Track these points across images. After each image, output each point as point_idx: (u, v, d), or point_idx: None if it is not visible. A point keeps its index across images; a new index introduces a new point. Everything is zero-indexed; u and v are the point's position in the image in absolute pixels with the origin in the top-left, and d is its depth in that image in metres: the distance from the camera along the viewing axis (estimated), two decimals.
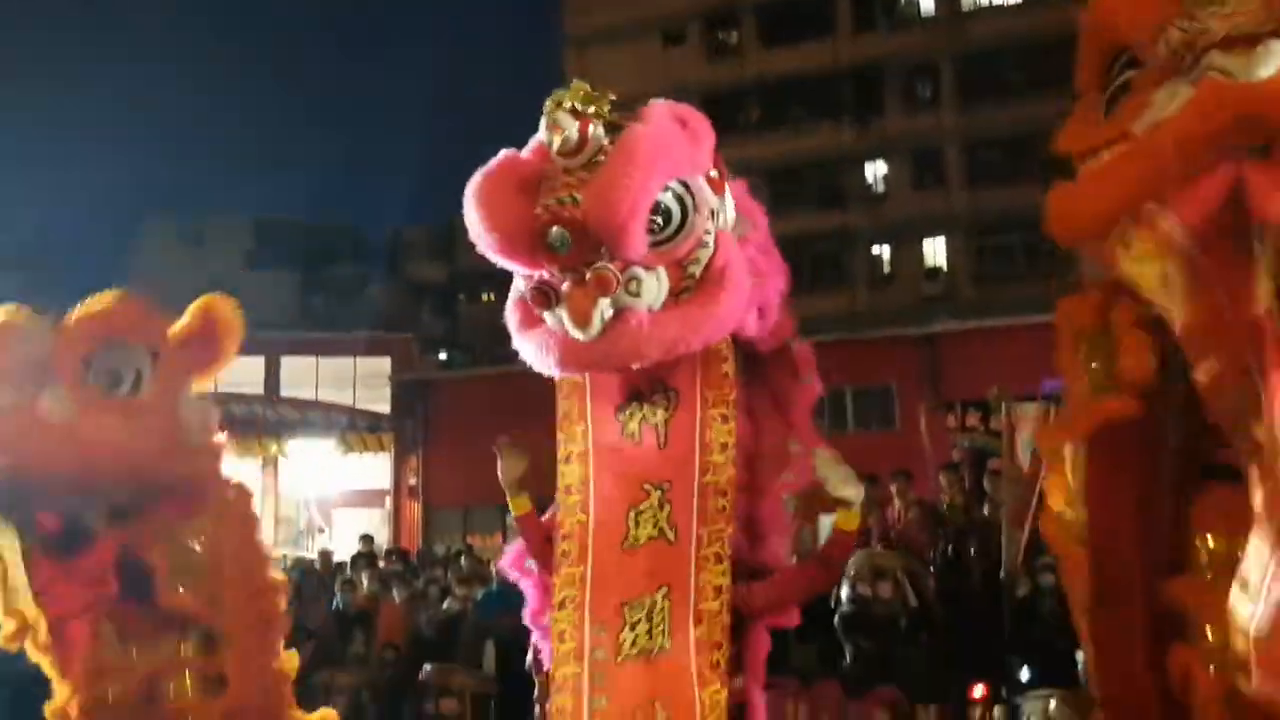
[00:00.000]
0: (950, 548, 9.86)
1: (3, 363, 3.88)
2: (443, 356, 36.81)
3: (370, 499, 30.04)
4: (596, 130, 3.49)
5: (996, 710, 8.44)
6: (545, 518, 4.25)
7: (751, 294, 3.82)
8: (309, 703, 9.05)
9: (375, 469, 29.61)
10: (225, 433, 4.68)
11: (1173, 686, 2.89)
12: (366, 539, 15.59)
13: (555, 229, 3.42)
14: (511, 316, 3.81)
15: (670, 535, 3.86)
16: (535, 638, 4.52)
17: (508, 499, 4.43)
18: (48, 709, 4.03)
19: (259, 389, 32.62)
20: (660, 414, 3.94)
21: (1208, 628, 2.78)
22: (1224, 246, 2.51)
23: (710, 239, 3.67)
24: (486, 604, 10.57)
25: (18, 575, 3.83)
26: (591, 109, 3.51)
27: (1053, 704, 7.63)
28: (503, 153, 3.66)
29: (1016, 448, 9.71)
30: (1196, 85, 2.52)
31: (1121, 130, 2.74)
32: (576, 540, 3.98)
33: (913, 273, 31.60)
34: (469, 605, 10.51)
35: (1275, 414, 2.42)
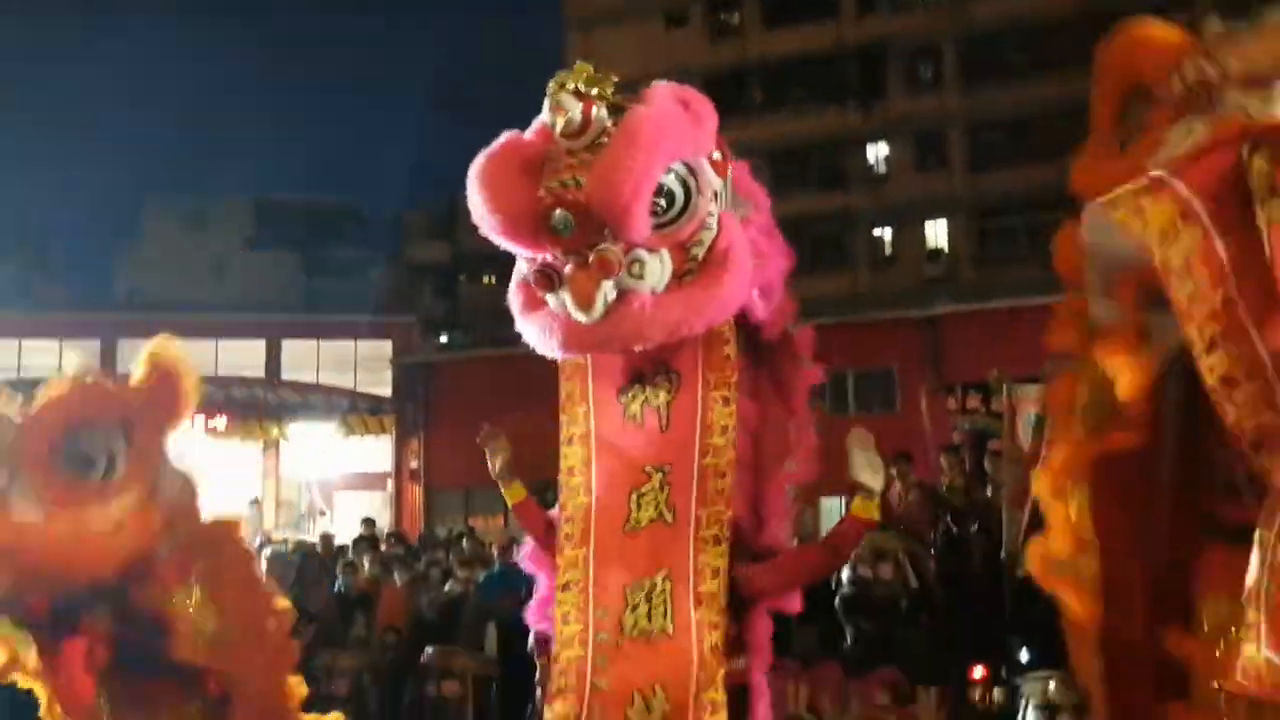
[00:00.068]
0: (951, 529, 9.87)
1: None
2: (444, 339, 36.79)
3: (371, 482, 30.09)
4: (600, 112, 3.48)
5: (996, 691, 8.46)
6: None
7: (754, 275, 3.82)
8: (310, 685, 9.10)
9: (376, 452, 29.66)
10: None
11: None
12: (368, 522, 15.60)
13: (558, 211, 3.41)
14: (514, 299, 3.81)
15: (669, 517, 3.86)
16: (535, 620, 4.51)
17: (501, 490, 4.44)
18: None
19: (260, 372, 32.67)
20: (662, 396, 3.93)
21: (1211, 686, 2.77)
22: (1235, 211, 2.51)
23: (713, 221, 3.67)
24: (488, 586, 10.59)
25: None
26: (595, 91, 3.50)
27: (1052, 685, 7.64)
28: (505, 134, 3.64)
29: (1017, 429, 9.70)
30: (1213, 122, 2.53)
31: (1136, 166, 2.75)
32: (579, 522, 3.98)
33: (914, 255, 31.57)
34: (470, 588, 10.53)
35: None
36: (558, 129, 3.49)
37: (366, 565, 11.35)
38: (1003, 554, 9.28)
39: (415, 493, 28.47)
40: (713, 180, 3.67)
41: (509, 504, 4.44)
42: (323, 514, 28.39)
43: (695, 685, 3.68)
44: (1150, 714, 3.04)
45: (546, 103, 3.54)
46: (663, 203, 3.51)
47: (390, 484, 29.52)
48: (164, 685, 3.94)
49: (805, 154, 31.39)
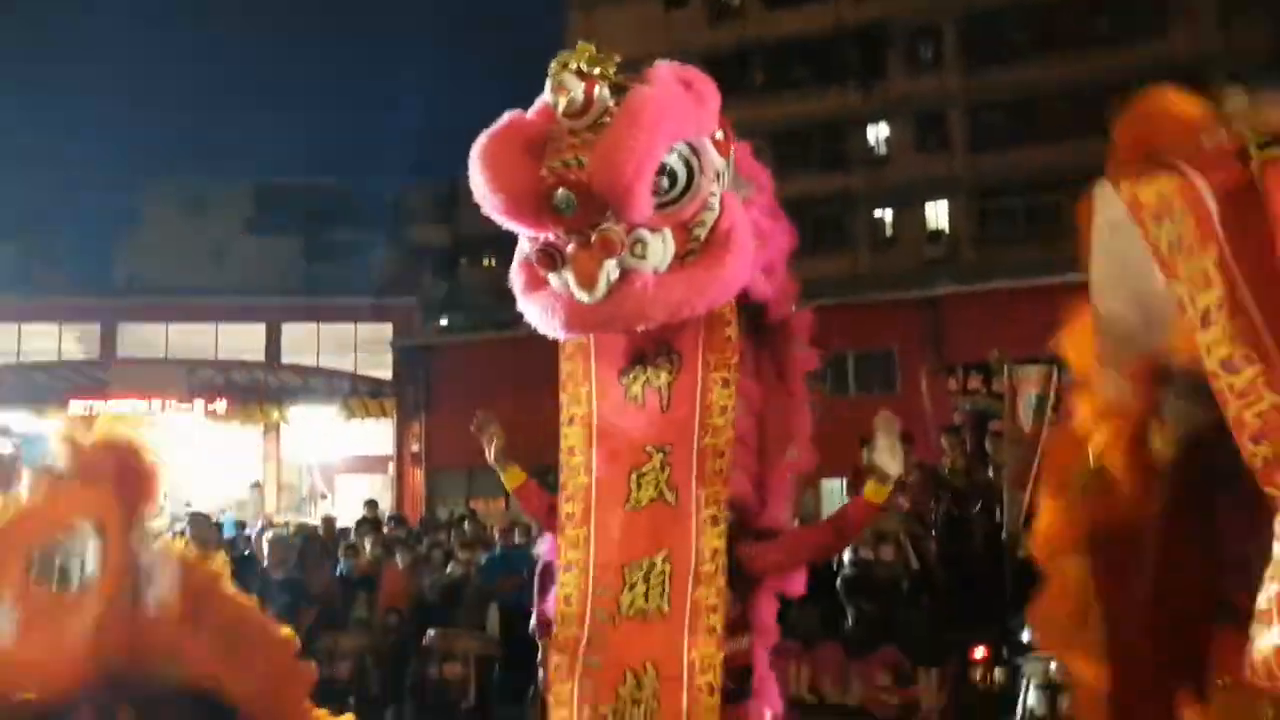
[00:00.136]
0: (952, 510, 9.88)
1: None
2: (444, 322, 36.75)
3: (373, 465, 30.12)
4: (602, 92, 3.47)
5: (998, 671, 8.48)
6: None
7: (756, 256, 3.82)
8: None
9: (378, 435, 29.67)
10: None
11: None
12: (371, 504, 15.64)
13: (561, 191, 3.41)
14: (516, 279, 3.80)
15: (670, 498, 3.86)
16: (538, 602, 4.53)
17: (501, 476, 4.45)
18: None
19: (260, 356, 32.67)
20: (664, 377, 3.93)
21: None
22: (1252, 212, 2.49)
23: (716, 201, 3.66)
24: (490, 568, 10.63)
25: None
26: (597, 70, 3.49)
27: (1053, 665, 7.66)
28: (508, 114, 3.63)
29: (1018, 410, 9.71)
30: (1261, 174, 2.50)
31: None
32: (580, 501, 3.99)
33: (915, 236, 31.53)
34: (472, 570, 10.56)
35: None
36: (560, 108, 3.48)
37: (368, 547, 11.38)
38: (1004, 535, 9.29)
39: (416, 475, 28.49)
40: (715, 160, 3.65)
41: (508, 488, 4.45)
42: (324, 497, 28.42)
43: (688, 665, 3.67)
44: None
45: (549, 82, 3.52)
46: (665, 182, 3.51)
47: (391, 467, 29.54)
48: None
49: (805, 135, 31.29)
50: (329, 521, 15.76)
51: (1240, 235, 2.50)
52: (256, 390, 29.45)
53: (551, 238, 3.53)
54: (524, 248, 3.75)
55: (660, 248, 3.54)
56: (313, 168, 43.49)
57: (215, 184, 42.06)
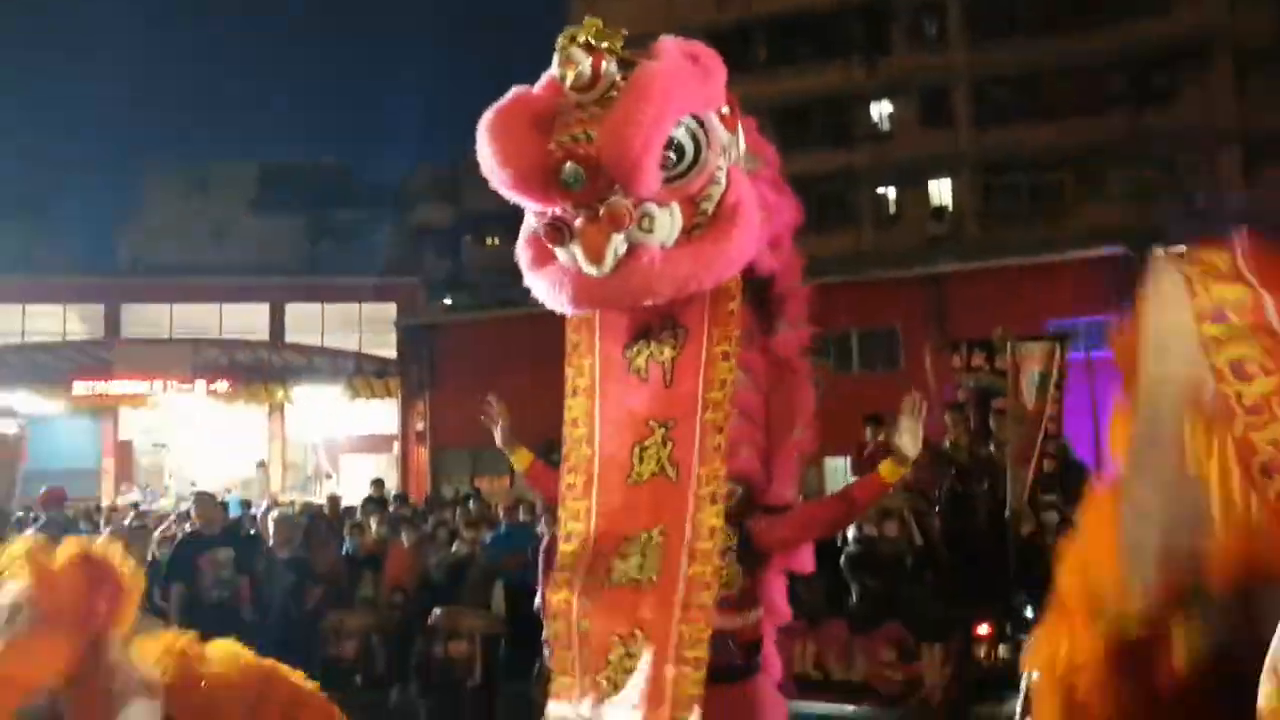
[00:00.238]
0: (955, 487, 9.90)
1: None
2: (448, 301, 36.75)
3: (378, 444, 30.17)
4: (609, 66, 3.46)
5: (1001, 647, 8.50)
6: None
7: (762, 229, 3.82)
8: (319, 645, 9.18)
9: (382, 414, 29.70)
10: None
11: None
12: (377, 483, 15.68)
13: (569, 165, 3.40)
14: (523, 255, 3.80)
15: (672, 473, 3.85)
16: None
17: (510, 459, 4.48)
18: None
19: (264, 335, 32.70)
20: (668, 351, 3.92)
21: None
22: None
23: (722, 175, 3.65)
24: (495, 546, 10.64)
25: None
26: (604, 45, 3.47)
27: None
28: (515, 88, 3.63)
29: (1021, 387, 9.72)
30: None
31: None
32: (583, 473, 4.00)
33: (918, 213, 31.46)
34: (477, 548, 10.58)
35: None
36: (567, 82, 3.47)
37: (374, 526, 11.40)
38: (1007, 511, 9.31)
39: (421, 455, 28.52)
40: (722, 134, 3.65)
41: (518, 470, 4.48)
42: (329, 477, 28.49)
43: (677, 639, 3.66)
44: None
45: (556, 57, 3.51)
46: (673, 156, 3.50)
47: (396, 446, 29.58)
48: None
49: (809, 112, 31.18)
50: (334, 501, 15.81)
51: None
52: (260, 370, 29.47)
53: (559, 212, 3.53)
54: (530, 223, 3.74)
55: (668, 222, 3.53)
56: (315, 147, 43.42)
57: (218, 163, 42.05)
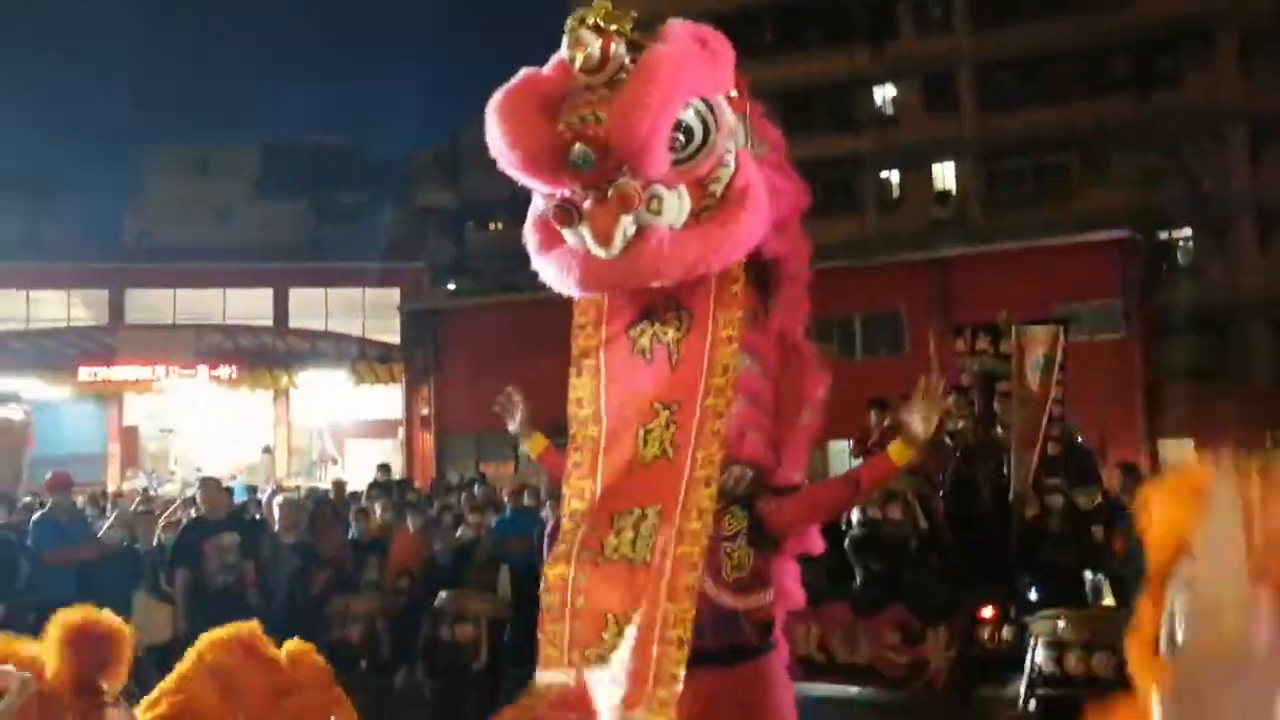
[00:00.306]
0: (960, 470, 9.91)
1: None
2: (451, 285, 36.73)
3: (383, 429, 30.19)
4: (618, 48, 3.46)
5: (1005, 630, 8.52)
6: None
7: (768, 212, 3.82)
8: (324, 631, 9.19)
9: (387, 399, 29.72)
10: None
11: None
12: (384, 468, 15.71)
13: (578, 146, 3.41)
14: (531, 238, 3.80)
15: (670, 454, 3.85)
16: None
17: (523, 444, 4.50)
18: None
19: (268, 320, 32.70)
20: (671, 333, 3.92)
21: None
22: None
23: (731, 158, 3.66)
24: (500, 530, 10.68)
25: None
26: (614, 27, 3.48)
27: (1061, 624, 7.70)
28: (523, 70, 3.63)
29: (1026, 370, 9.72)
30: None
31: None
32: (588, 453, 4.00)
33: (922, 197, 31.39)
34: (482, 532, 10.60)
35: None
36: (577, 64, 3.48)
37: (379, 511, 11.43)
38: (1011, 494, 9.33)
39: (426, 440, 28.55)
40: (730, 118, 3.66)
41: (532, 456, 4.50)
42: (334, 462, 28.52)
43: (662, 618, 3.65)
44: None
45: (565, 38, 3.52)
46: (681, 138, 3.51)
47: (401, 431, 29.61)
48: None
49: (814, 96, 31.08)
50: (339, 486, 15.85)
51: None
52: (265, 355, 29.46)
53: (568, 194, 3.53)
54: (538, 206, 3.75)
55: (676, 204, 3.54)
56: (318, 129, 43.35)
57: (220, 146, 41.97)
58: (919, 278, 22.72)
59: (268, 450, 27.88)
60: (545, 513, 10.14)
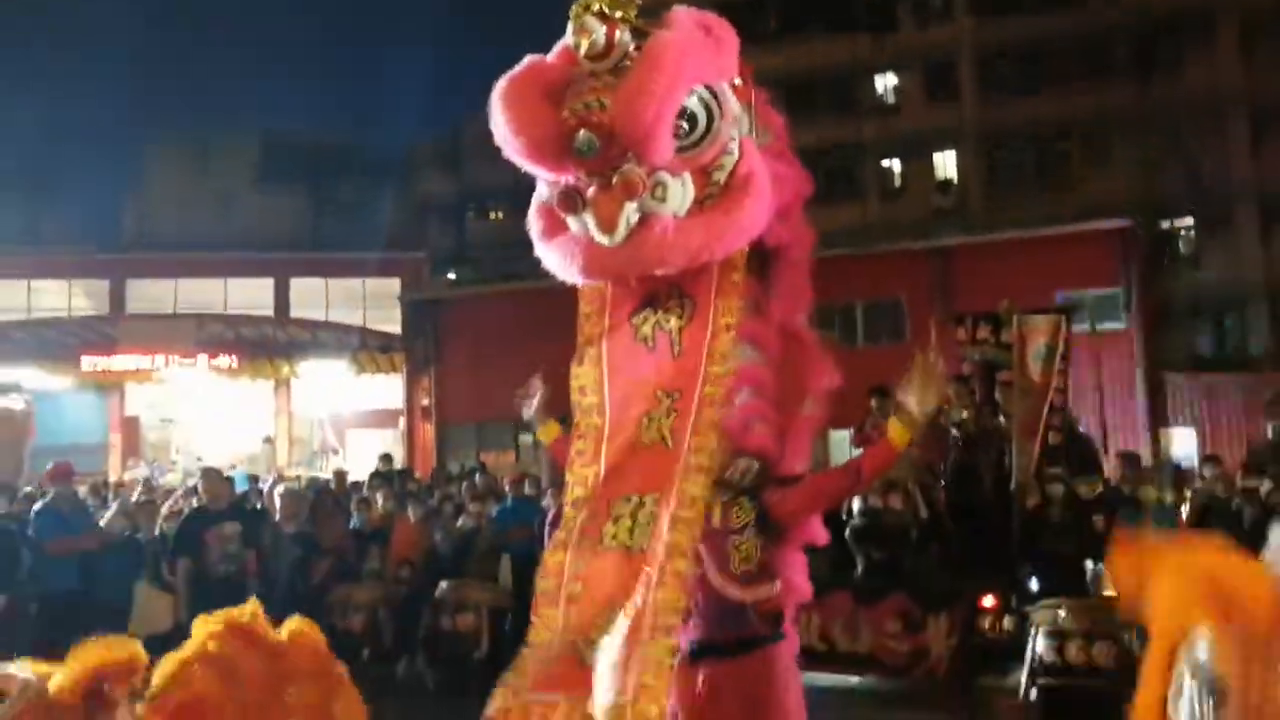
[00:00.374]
0: (961, 459, 9.91)
1: None
2: (452, 275, 36.70)
3: (384, 419, 30.18)
4: (623, 35, 3.46)
5: (1006, 619, 8.53)
6: None
7: (771, 200, 3.81)
8: (326, 619, 9.19)
9: (388, 389, 29.72)
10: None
11: None
12: (386, 458, 15.69)
13: (582, 133, 3.41)
14: (535, 225, 3.80)
15: (669, 442, 3.85)
16: None
17: (538, 431, 4.50)
18: None
19: (268, 310, 32.71)
20: (674, 321, 3.91)
21: None
22: None
23: (735, 146, 3.66)
24: (501, 519, 10.68)
25: None
26: (619, 14, 3.47)
27: (1062, 613, 7.71)
28: (528, 57, 3.63)
29: (1027, 359, 9.72)
30: None
31: None
32: (592, 440, 3.99)
33: (923, 186, 31.37)
34: (483, 521, 10.61)
35: None
36: (582, 51, 3.48)
37: (380, 501, 11.43)
38: (1012, 483, 9.33)
39: (427, 429, 28.54)
40: (734, 105, 3.66)
41: (545, 442, 4.51)
42: (335, 452, 28.53)
43: (651, 607, 3.63)
44: None
45: (570, 25, 3.51)
46: (685, 126, 3.51)
47: (402, 421, 29.61)
48: None
49: (815, 84, 31.02)
50: (341, 475, 15.85)
51: None
52: (266, 345, 29.47)
53: (572, 180, 3.53)
54: (542, 194, 3.75)
55: (680, 191, 3.53)
56: (318, 120, 43.20)
57: (221, 137, 41.82)
58: (920, 266, 22.69)
59: (269, 440, 27.87)
60: (546, 501, 10.15)
